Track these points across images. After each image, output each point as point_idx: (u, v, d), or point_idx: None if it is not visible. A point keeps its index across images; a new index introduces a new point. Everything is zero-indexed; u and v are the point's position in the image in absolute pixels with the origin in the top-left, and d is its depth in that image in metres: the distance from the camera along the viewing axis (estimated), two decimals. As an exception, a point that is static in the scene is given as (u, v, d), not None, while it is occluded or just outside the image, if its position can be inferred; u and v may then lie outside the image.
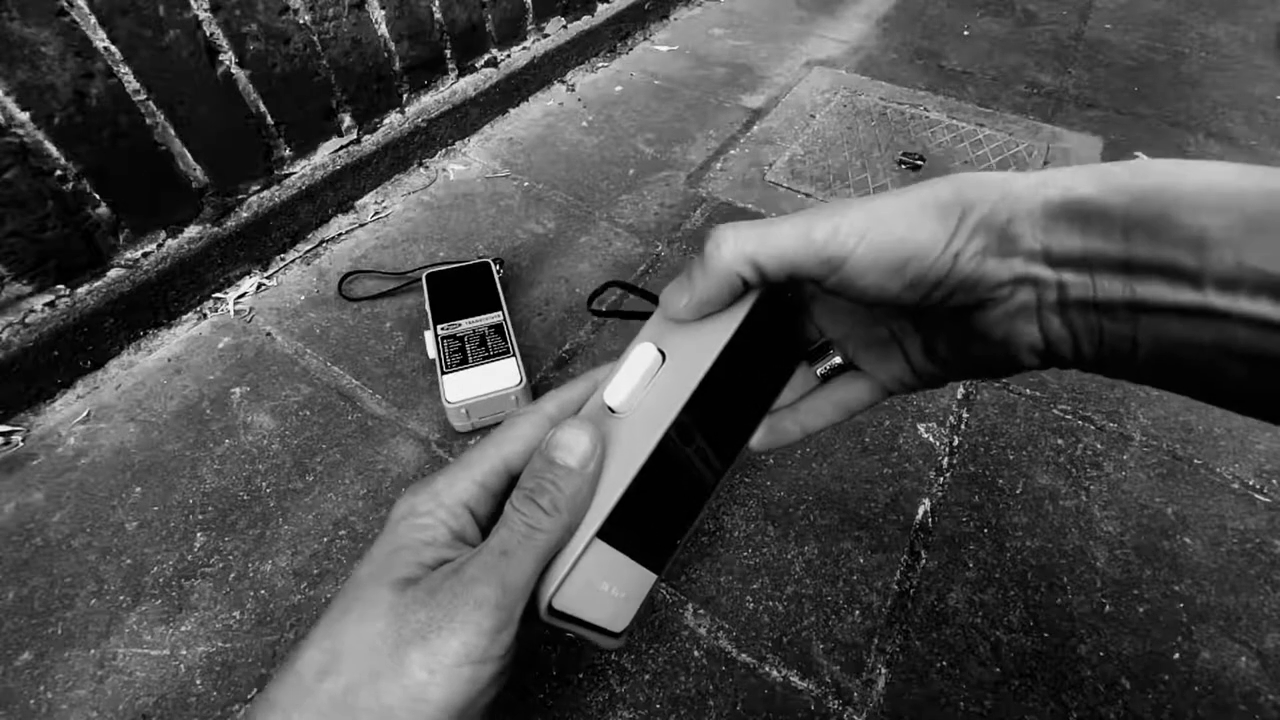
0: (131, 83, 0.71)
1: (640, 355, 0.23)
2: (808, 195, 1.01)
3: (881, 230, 0.20)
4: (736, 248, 0.21)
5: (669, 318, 0.24)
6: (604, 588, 0.23)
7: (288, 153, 0.90)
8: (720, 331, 0.23)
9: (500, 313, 0.74)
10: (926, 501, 0.64)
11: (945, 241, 0.19)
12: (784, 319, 0.27)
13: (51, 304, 0.72)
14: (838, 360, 0.28)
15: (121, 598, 0.57)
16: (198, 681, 0.52)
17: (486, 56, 1.14)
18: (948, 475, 0.66)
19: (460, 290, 0.76)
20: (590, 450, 0.22)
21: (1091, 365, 0.20)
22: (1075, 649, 0.54)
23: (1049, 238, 0.18)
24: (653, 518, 0.24)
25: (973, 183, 0.20)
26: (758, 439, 0.29)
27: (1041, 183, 0.19)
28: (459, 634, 0.18)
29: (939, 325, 0.24)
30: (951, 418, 0.71)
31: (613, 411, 0.23)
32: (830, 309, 0.28)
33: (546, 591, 0.21)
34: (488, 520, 0.24)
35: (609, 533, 0.22)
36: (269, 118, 0.85)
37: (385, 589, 0.20)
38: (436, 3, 1.01)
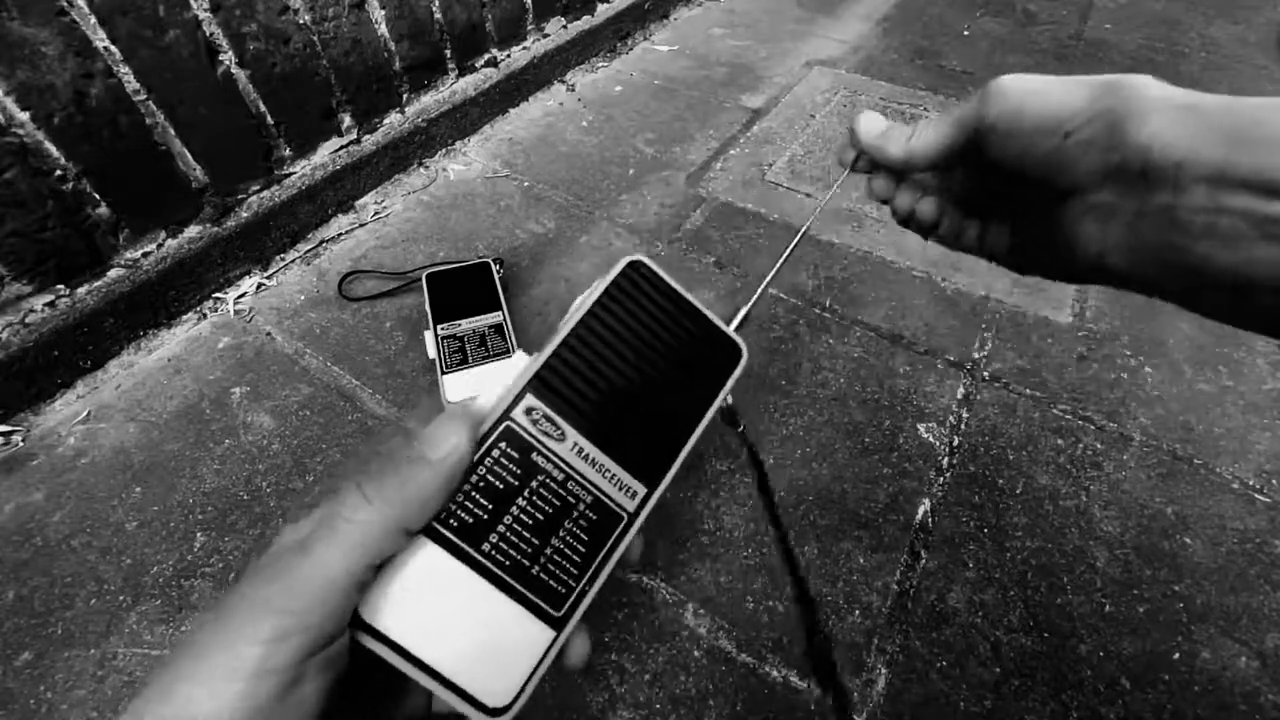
0: (131, 83, 0.71)
1: (515, 361, 0.22)
2: (808, 195, 1.01)
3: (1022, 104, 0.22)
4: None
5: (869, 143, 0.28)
6: (454, 620, 0.19)
7: (288, 153, 0.90)
8: (579, 312, 0.22)
9: (500, 313, 0.74)
10: (926, 501, 0.64)
11: (1070, 116, 0.21)
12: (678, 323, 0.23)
13: (51, 304, 0.72)
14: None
15: (121, 598, 0.57)
16: (198, 681, 0.52)
17: (486, 56, 1.14)
18: (948, 475, 0.66)
19: (460, 290, 0.76)
20: (457, 444, 0.19)
21: (1139, 281, 0.21)
22: (1075, 649, 0.54)
23: (1160, 136, 0.19)
24: (523, 534, 0.20)
25: (1127, 83, 0.21)
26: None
27: (1173, 92, 0.20)
28: (231, 645, 0.16)
29: (1025, 209, 0.26)
30: (951, 418, 0.71)
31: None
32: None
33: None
34: None
35: (449, 541, 0.19)
36: (269, 118, 0.85)
37: None
38: (436, 3, 1.01)
